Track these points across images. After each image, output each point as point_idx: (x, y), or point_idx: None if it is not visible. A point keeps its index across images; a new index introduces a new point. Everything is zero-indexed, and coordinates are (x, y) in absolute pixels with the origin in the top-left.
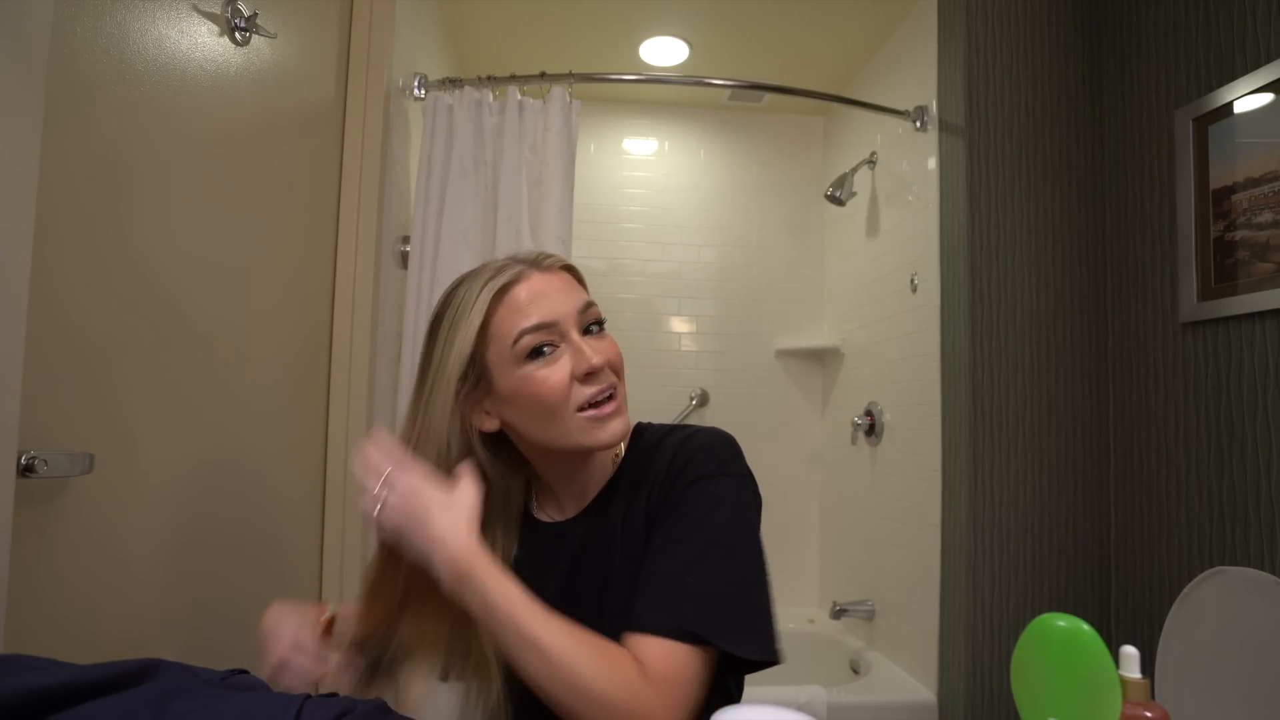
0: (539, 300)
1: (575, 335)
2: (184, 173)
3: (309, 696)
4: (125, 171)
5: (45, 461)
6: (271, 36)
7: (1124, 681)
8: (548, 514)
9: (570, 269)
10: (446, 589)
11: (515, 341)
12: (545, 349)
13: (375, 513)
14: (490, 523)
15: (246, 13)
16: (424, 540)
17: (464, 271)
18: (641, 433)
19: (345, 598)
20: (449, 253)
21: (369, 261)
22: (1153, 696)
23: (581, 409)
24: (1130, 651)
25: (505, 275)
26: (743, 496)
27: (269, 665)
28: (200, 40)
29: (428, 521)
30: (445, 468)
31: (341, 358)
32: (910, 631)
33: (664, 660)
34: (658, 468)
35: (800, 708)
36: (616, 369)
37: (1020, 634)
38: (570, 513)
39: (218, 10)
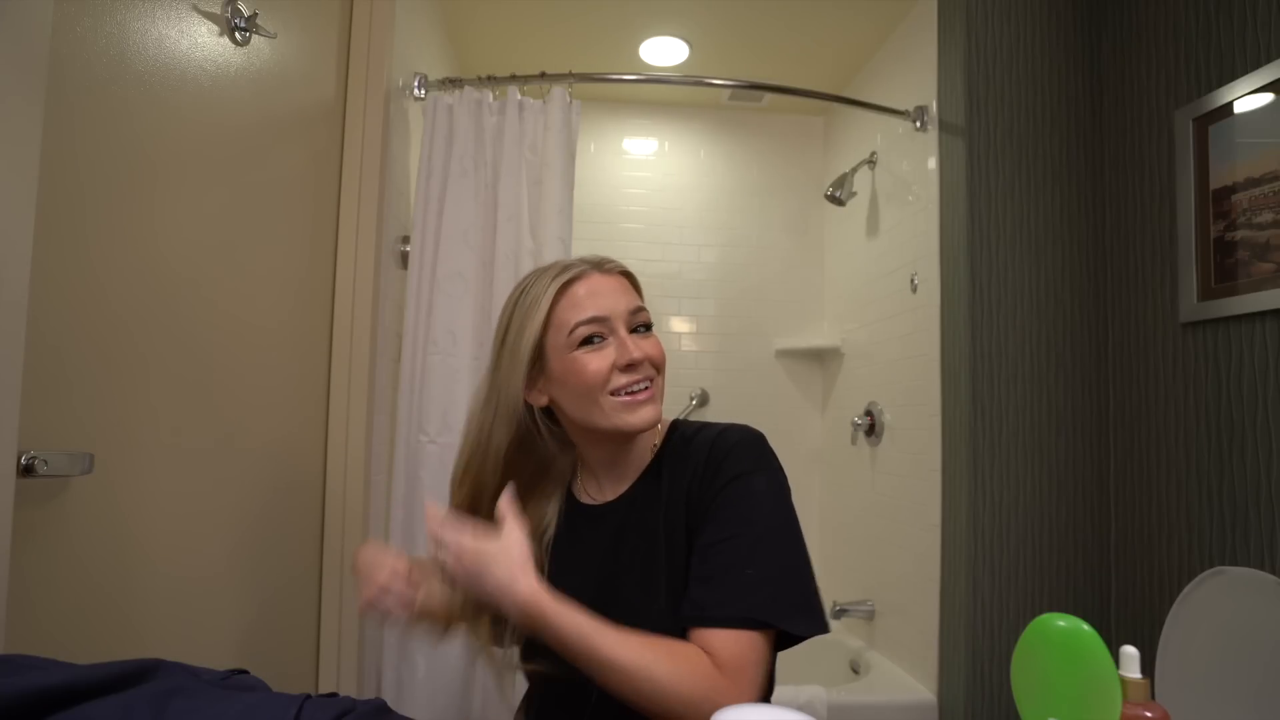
0: (595, 297)
1: (623, 331)
2: (184, 173)
3: (309, 696)
4: (125, 171)
5: (45, 461)
6: (271, 36)
7: (1124, 681)
8: (588, 496)
9: (628, 275)
10: (520, 625)
11: (571, 330)
12: (595, 339)
13: (444, 572)
14: (536, 496)
15: (246, 13)
16: (489, 592)
17: (463, 271)
18: (676, 427)
19: (345, 597)
20: (449, 253)
21: (369, 261)
22: (1153, 696)
23: (616, 393)
24: (1130, 651)
25: (570, 273)
26: (780, 488)
27: (368, 594)
28: (200, 40)
29: (486, 576)
30: (513, 440)
31: (341, 358)
32: (910, 631)
33: (734, 648)
34: (695, 460)
35: (800, 708)
36: (657, 365)
37: (1020, 634)
38: (609, 496)
39: (218, 10)
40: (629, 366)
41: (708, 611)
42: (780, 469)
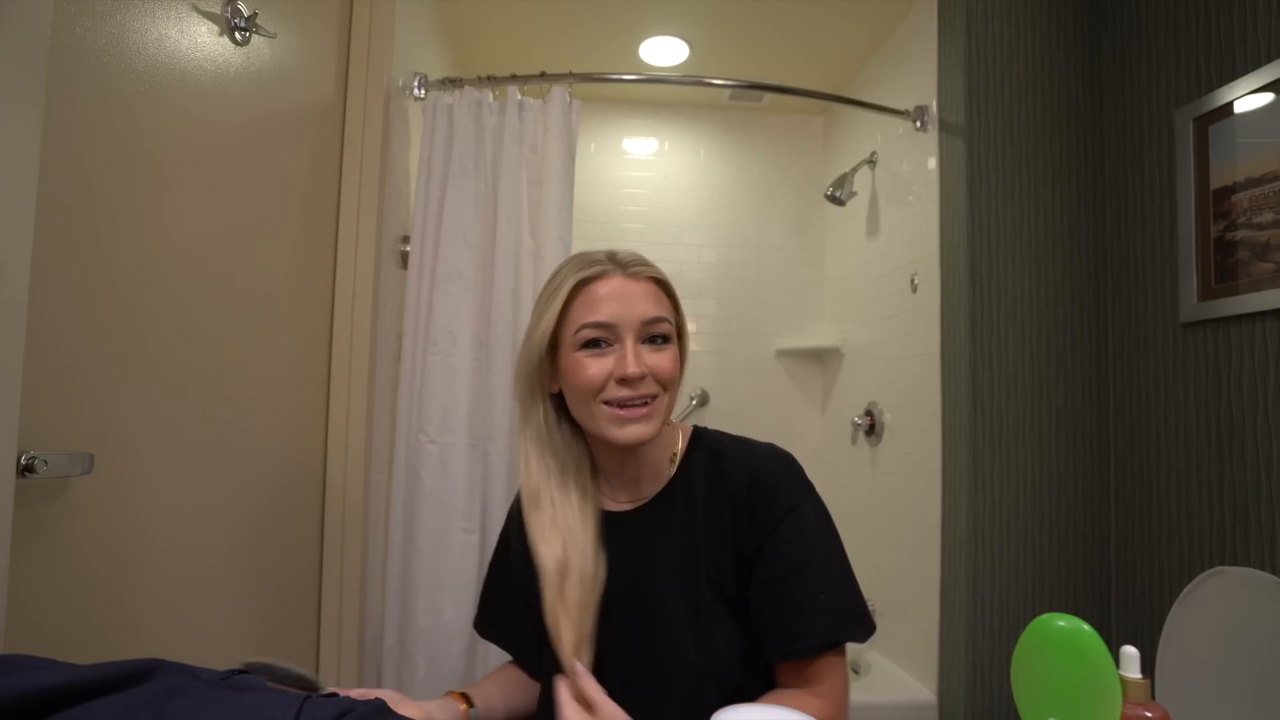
0: (610, 300)
1: (630, 341)
2: (184, 173)
3: (309, 696)
4: (125, 171)
5: (45, 461)
6: (271, 36)
7: (1124, 681)
8: (606, 500)
9: (659, 281)
10: None
11: (577, 330)
12: (601, 343)
13: None
14: (568, 480)
15: (246, 13)
16: None
17: (463, 271)
18: (700, 438)
19: (344, 597)
20: (449, 253)
21: (369, 261)
22: (1153, 696)
23: (610, 403)
24: (1130, 651)
25: (590, 270)
26: (825, 510)
27: None
28: (200, 40)
29: None
30: (536, 418)
31: (341, 358)
32: (910, 631)
33: (827, 672)
34: (734, 488)
35: None
36: (663, 381)
37: (1020, 634)
38: (625, 504)
39: (218, 10)
40: (624, 380)
41: (798, 644)
42: (814, 487)
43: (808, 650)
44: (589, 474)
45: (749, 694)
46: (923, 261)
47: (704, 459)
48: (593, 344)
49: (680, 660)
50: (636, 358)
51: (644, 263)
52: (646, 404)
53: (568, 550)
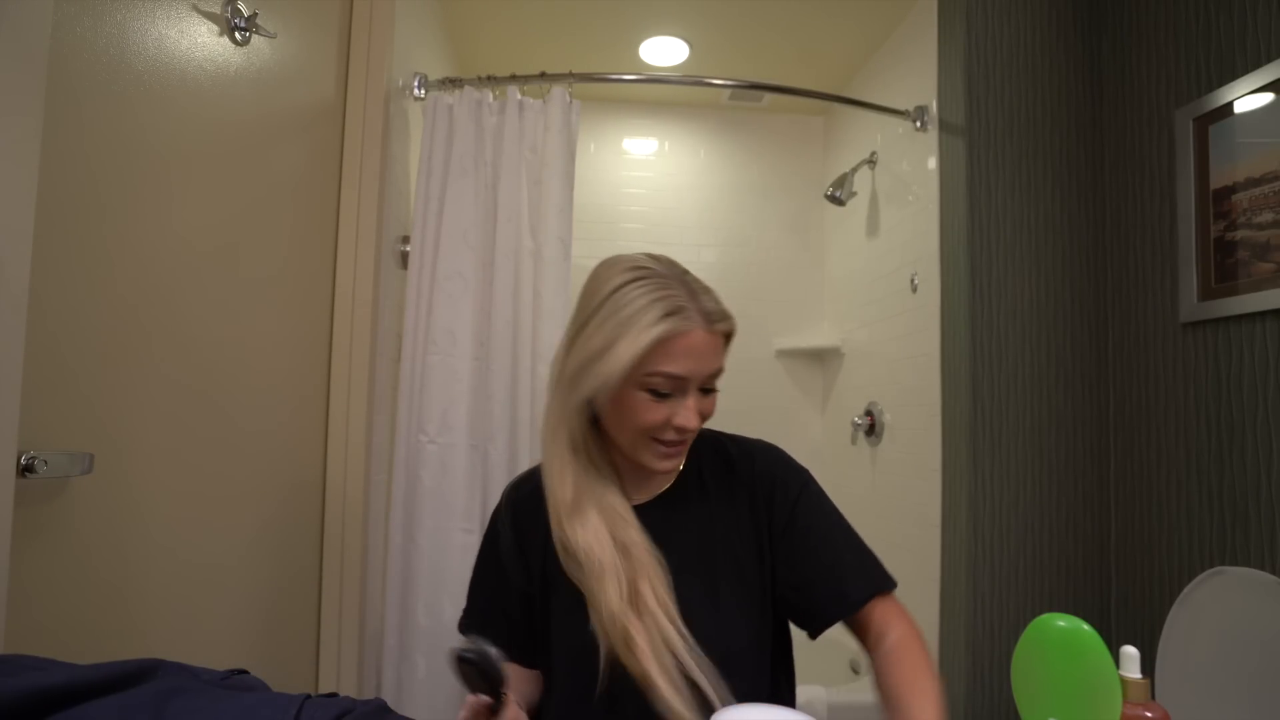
0: (688, 356)
1: (692, 394)
2: (184, 173)
3: (309, 696)
4: (125, 171)
5: (45, 461)
6: (271, 36)
7: (1124, 681)
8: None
9: (728, 335)
10: None
11: (649, 374)
12: (665, 391)
13: None
14: (604, 482)
15: (246, 13)
16: None
17: (463, 271)
18: (703, 436)
19: (344, 597)
20: (449, 253)
21: (369, 261)
22: (1153, 696)
23: (656, 440)
24: (1130, 651)
25: (677, 321)
26: (820, 485)
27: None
28: (200, 40)
29: None
30: (574, 428)
31: (341, 358)
32: None
33: (891, 611)
34: (745, 476)
35: (800, 708)
36: (705, 420)
37: (1020, 634)
38: (636, 499)
39: (217, 10)
40: (680, 429)
41: (850, 599)
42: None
43: (859, 602)
44: (615, 473)
45: (768, 675)
46: (923, 261)
47: (711, 455)
48: (657, 389)
49: (702, 645)
50: (696, 412)
51: (724, 315)
52: (686, 441)
53: (632, 556)
